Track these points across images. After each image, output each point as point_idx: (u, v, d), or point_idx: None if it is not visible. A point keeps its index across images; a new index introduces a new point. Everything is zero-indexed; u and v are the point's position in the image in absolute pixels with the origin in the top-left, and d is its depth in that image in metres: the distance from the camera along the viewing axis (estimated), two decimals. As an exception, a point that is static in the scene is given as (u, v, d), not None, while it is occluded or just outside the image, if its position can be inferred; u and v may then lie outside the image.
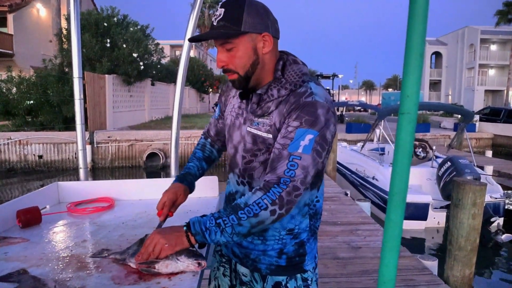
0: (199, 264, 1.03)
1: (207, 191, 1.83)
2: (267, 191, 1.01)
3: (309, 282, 1.22)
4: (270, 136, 1.12)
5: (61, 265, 1.11)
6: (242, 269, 1.26)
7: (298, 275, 1.20)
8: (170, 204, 1.27)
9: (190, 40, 1.21)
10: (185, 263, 1.02)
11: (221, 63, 1.12)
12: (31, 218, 1.46)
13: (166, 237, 1.04)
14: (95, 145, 11.79)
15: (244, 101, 1.22)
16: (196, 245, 1.06)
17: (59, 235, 1.40)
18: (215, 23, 1.08)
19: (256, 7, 1.08)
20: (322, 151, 1.06)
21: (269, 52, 1.12)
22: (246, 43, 1.09)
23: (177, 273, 1.03)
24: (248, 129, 1.17)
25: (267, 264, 1.20)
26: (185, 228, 1.05)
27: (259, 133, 1.14)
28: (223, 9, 1.08)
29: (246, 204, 1.02)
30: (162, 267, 1.02)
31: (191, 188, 1.36)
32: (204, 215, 1.06)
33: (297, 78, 1.12)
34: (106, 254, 1.17)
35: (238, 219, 1.00)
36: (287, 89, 1.11)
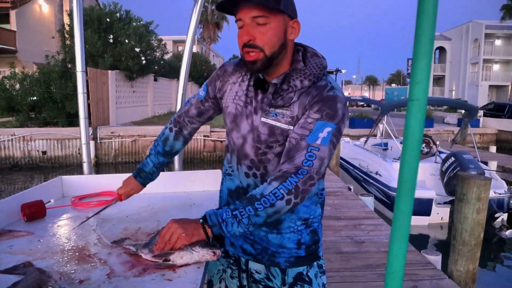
0: (214, 253, 1.03)
1: (210, 184, 1.83)
2: (283, 181, 1.02)
3: (324, 268, 1.26)
4: (291, 127, 1.10)
5: (65, 258, 1.11)
6: (255, 266, 1.23)
7: (315, 263, 1.23)
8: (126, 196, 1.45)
9: (218, 7, 1.10)
10: (200, 253, 1.02)
11: (249, 36, 1.05)
12: (35, 212, 1.47)
13: (184, 227, 1.04)
14: (98, 141, 11.81)
15: (252, 89, 1.17)
16: (212, 238, 1.06)
17: (63, 228, 1.40)
18: None
19: None
20: (337, 142, 1.09)
21: (292, 40, 1.12)
22: (280, 22, 1.06)
23: (181, 266, 1.02)
24: (263, 119, 1.13)
25: (286, 257, 1.19)
26: (201, 220, 1.05)
27: (278, 124, 1.11)
28: None
29: (262, 194, 1.02)
30: (177, 258, 1.02)
31: (144, 184, 1.44)
32: (219, 208, 1.07)
33: (319, 71, 1.12)
34: (123, 244, 1.19)
35: (254, 210, 1.01)
36: (310, 80, 1.11)
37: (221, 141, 12.43)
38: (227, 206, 1.05)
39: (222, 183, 1.30)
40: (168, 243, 1.04)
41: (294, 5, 1.09)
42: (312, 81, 1.10)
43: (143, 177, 1.41)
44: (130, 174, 1.43)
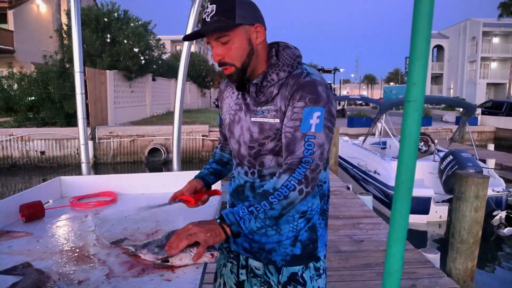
0: (212, 255, 1.03)
1: (209, 185, 1.83)
2: (292, 173, 1.06)
3: (321, 271, 1.25)
4: (278, 120, 1.14)
5: (64, 259, 1.11)
6: (254, 263, 1.27)
7: (311, 264, 1.23)
8: (190, 191, 1.28)
9: (185, 39, 1.22)
10: None
11: (218, 56, 1.13)
12: (34, 213, 1.46)
13: (206, 228, 1.02)
14: (97, 141, 11.80)
15: (240, 96, 1.24)
16: (230, 237, 1.05)
17: (62, 229, 1.40)
18: (208, 19, 1.10)
19: (246, 1, 1.13)
20: (332, 126, 1.11)
21: (261, 43, 1.16)
22: (241, 35, 1.12)
23: (179, 266, 1.03)
24: (253, 119, 1.19)
25: (282, 255, 1.21)
26: (218, 220, 1.04)
27: (266, 120, 1.16)
28: (214, 5, 1.10)
29: (275, 188, 1.05)
30: (176, 260, 1.02)
31: (203, 179, 1.35)
32: (231, 206, 1.10)
33: (292, 61, 1.17)
34: (122, 244, 1.19)
35: (270, 204, 1.03)
36: (285, 71, 1.15)
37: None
38: (242, 204, 1.06)
39: (229, 185, 1.37)
40: (186, 241, 1.01)
41: (251, 11, 1.12)
42: (288, 71, 1.15)
43: (197, 175, 1.39)
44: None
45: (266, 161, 1.19)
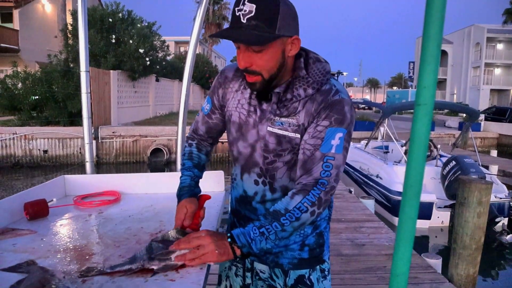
0: None
1: (213, 186, 1.83)
2: (306, 194, 1.02)
3: (326, 272, 1.25)
4: (298, 136, 1.09)
5: (68, 257, 1.11)
6: (260, 266, 1.26)
7: (318, 266, 1.23)
8: (189, 216, 1.15)
9: (211, 36, 1.07)
10: None
11: (246, 64, 1.03)
12: (38, 211, 1.47)
13: (218, 244, 0.99)
14: (99, 140, 11.84)
15: (255, 97, 1.15)
16: (239, 256, 1.03)
17: (66, 227, 1.40)
18: (243, 20, 0.96)
19: (289, 8, 1.02)
20: (349, 146, 1.09)
21: (292, 56, 1.08)
22: (277, 46, 1.02)
23: (184, 266, 1.02)
24: (270, 129, 1.12)
25: (289, 258, 1.21)
26: (229, 240, 1.01)
27: (286, 133, 1.10)
28: (254, 5, 0.95)
29: (286, 209, 1.02)
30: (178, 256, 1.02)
31: (196, 195, 1.23)
32: (233, 222, 1.09)
33: (322, 77, 1.09)
34: (105, 270, 1.02)
35: (281, 226, 1.01)
36: (314, 88, 1.08)
37: (222, 142, 12.42)
38: (252, 224, 1.03)
39: (231, 188, 1.33)
40: (195, 252, 0.99)
41: (292, 20, 1.03)
42: (316, 88, 1.08)
43: (186, 191, 1.22)
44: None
45: (278, 174, 1.16)
